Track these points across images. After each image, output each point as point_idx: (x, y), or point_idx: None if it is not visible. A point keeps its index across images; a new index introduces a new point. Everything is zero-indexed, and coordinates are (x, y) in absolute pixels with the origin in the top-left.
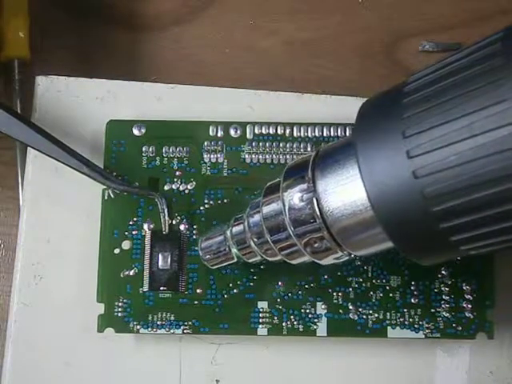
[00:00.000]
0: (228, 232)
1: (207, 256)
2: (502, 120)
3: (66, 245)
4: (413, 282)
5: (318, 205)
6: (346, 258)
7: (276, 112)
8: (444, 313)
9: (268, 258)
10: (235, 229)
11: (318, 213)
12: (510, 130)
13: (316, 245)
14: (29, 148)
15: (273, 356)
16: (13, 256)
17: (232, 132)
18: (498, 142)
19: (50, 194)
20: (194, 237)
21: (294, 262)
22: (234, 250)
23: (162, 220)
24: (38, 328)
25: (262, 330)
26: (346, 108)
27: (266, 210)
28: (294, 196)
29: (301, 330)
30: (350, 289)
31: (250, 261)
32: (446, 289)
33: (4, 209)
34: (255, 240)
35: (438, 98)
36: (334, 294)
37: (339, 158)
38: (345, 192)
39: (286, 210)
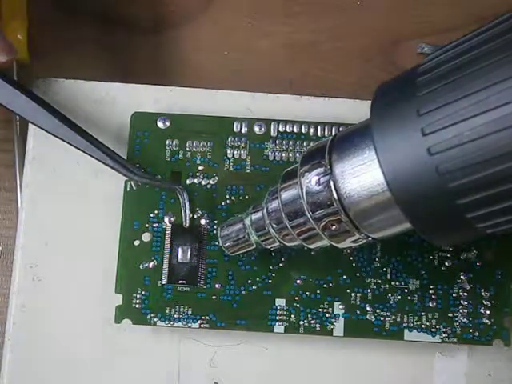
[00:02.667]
0: (247, 219)
1: (227, 243)
2: None
3: (64, 247)
4: (431, 286)
5: (335, 187)
6: (364, 241)
7: (274, 114)
8: (461, 318)
9: (287, 244)
10: (254, 216)
11: (335, 195)
12: None
13: (334, 228)
14: (27, 150)
15: (271, 358)
16: (11, 258)
17: (256, 129)
18: (511, 116)
19: (48, 196)
20: (215, 231)
21: (312, 246)
22: (253, 237)
23: (183, 214)
24: (36, 330)
25: (278, 328)
26: (344, 110)
27: (284, 195)
28: (312, 180)
29: (318, 329)
30: (369, 290)
31: (269, 247)
32: (465, 294)
33: (2, 211)
34: (274, 226)
35: (451, 75)
36: (352, 294)
37: (356, 141)
38: (361, 173)
39: (304, 194)
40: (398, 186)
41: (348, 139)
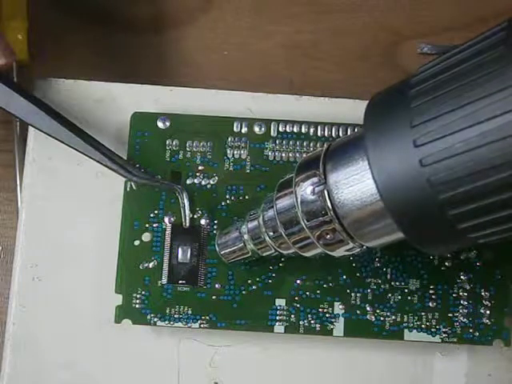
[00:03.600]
0: (243, 227)
1: (223, 251)
2: (504, 107)
3: (64, 247)
4: (431, 286)
5: (329, 197)
6: (358, 249)
7: (274, 114)
8: (461, 318)
9: (282, 252)
10: (250, 224)
11: (330, 205)
12: None
13: (328, 237)
14: (27, 151)
15: (271, 358)
16: (11, 258)
17: (256, 129)
18: (501, 129)
19: (48, 196)
20: (215, 232)
21: (307, 254)
22: (250, 245)
23: (182, 214)
24: (36, 330)
25: (278, 328)
26: (344, 110)
27: (279, 204)
28: (306, 189)
29: (318, 329)
30: (369, 290)
31: (265, 254)
32: (465, 294)
33: (2, 211)
34: (270, 234)
35: (443, 88)
36: (352, 294)
37: (350, 151)
38: (355, 183)
39: (299, 204)
40: (390, 197)
41: (342, 149)
